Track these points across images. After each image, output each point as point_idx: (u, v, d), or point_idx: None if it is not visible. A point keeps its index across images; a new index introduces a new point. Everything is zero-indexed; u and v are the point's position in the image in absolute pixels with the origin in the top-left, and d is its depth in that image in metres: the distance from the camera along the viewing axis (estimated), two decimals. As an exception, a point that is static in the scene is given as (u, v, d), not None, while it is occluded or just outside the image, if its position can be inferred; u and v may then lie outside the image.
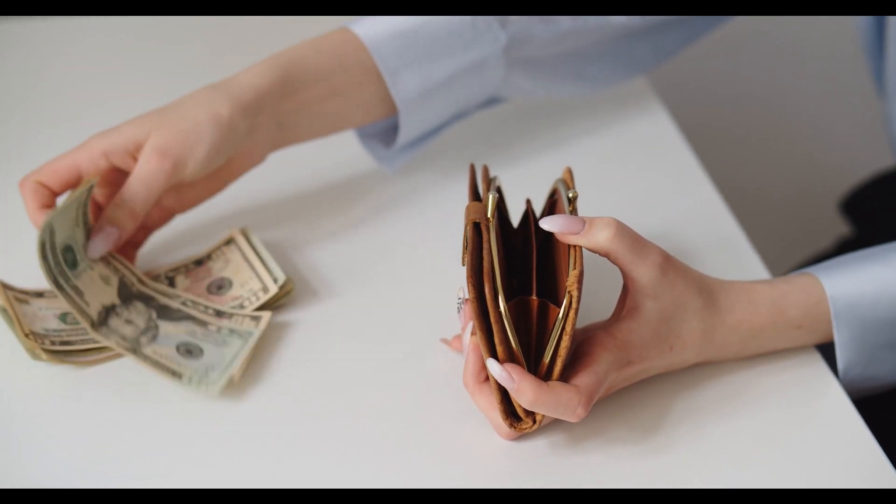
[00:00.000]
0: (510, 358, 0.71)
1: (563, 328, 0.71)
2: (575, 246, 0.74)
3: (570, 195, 0.78)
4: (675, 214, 0.98)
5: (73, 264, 0.80)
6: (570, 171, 0.81)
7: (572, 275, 0.72)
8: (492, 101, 1.02)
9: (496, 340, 0.71)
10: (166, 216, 0.89)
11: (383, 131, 0.98)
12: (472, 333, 0.74)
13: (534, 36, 0.96)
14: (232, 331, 0.82)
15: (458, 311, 0.76)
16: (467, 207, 0.76)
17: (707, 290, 0.78)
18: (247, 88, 0.87)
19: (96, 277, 0.81)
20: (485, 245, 0.73)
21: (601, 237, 0.74)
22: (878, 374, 0.83)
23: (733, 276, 0.84)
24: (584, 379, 0.73)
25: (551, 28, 0.97)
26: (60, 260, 0.78)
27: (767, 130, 1.84)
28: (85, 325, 0.78)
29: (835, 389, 0.81)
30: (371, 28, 0.92)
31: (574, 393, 0.71)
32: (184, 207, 0.89)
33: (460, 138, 1.06)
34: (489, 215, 0.75)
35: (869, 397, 0.85)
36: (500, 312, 0.70)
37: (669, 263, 0.77)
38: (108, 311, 0.81)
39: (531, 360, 0.73)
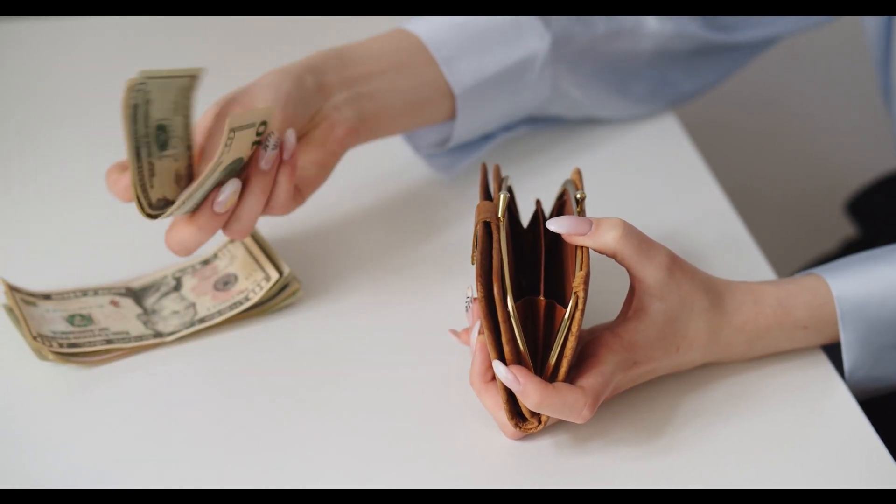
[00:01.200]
0: (517, 358, 0.71)
1: (569, 329, 0.71)
2: (582, 247, 0.74)
3: (578, 196, 0.78)
4: (681, 215, 0.98)
5: (163, 146, 0.78)
6: (578, 172, 0.81)
7: (578, 276, 0.72)
8: (537, 120, 1.03)
9: (503, 340, 0.71)
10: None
11: (439, 142, 0.98)
12: (480, 332, 0.74)
13: (573, 35, 0.97)
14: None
15: (467, 310, 0.76)
16: (478, 206, 0.76)
17: (713, 291, 0.78)
18: (302, 58, 0.87)
19: (172, 172, 0.79)
20: (494, 244, 0.73)
21: (608, 238, 0.74)
22: (885, 374, 0.83)
23: (739, 276, 0.84)
24: (589, 380, 0.73)
25: (589, 29, 0.98)
26: (151, 133, 0.77)
27: (773, 131, 1.84)
28: (139, 206, 0.77)
29: (841, 390, 0.81)
30: (421, 23, 0.93)
31: (580, 395, 0.71)
32: (298, 172, 0.86)
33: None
34: (500, 215, 0.75)
35: (875, 398, 0.85)
36: (508, 312, 0.70)
37: (676, 264, 0.77)
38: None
39: (538, 360, 0.73)
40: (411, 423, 0.78)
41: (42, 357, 0.80)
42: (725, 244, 0.95)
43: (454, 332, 0.82)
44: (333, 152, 0.87)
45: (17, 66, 1.17)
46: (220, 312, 0.84)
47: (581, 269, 0.72)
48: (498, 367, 0.71)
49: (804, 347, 0.83)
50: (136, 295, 0.87)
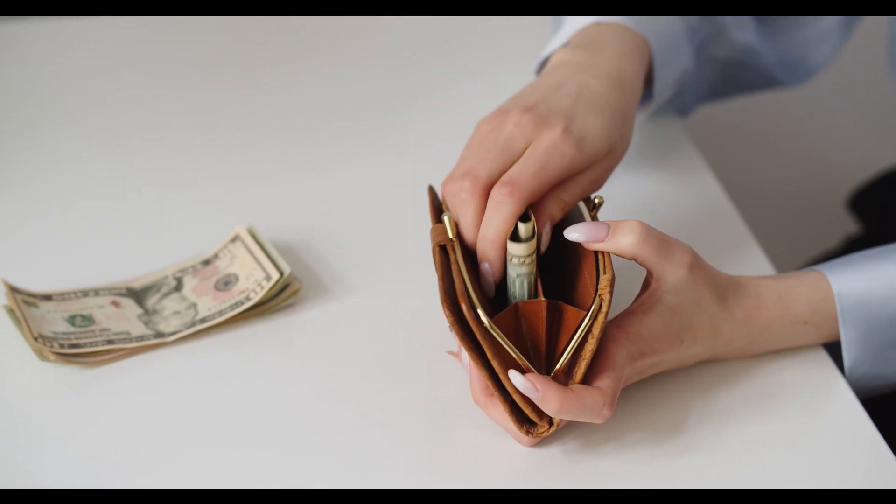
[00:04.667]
0: (512, 368, 0.71)
1: (590, 331, 0.71)
2: (603, 251, 0.74)
3: (597, 201, 0.77)
4: (680, 213, 0.98)
5: None
6: None
7: (604, 279, 0.71)
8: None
9: (489, 355, 0.70)
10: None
11: None
12: None
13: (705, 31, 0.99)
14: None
15: (451, 329, 0.76)
16: (431, 231, 0.76)
17: (719, 286, 0.79)
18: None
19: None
20: (453, 266, 0.73)
21: (626, 242, 0.74)
22: (886, 373, 0.83)
23: (739, 274, 0.84)
24: (604, 379, 0.73)
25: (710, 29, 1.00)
26: None
27: (773, 128, 1.84)
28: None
29: (842, 389, 0.81)
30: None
31: (598, 395, 0.71)
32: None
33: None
34: (451, 237, 0.75)
35: (877, 397, 0.85)
36: (484, 328, 0.70)
37: (697, 263, 0.77)
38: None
39: (542, 362, 0.73)
40: (417, 425, 0.78)
41: (43, 358, 0.80)
42: (726, 243, 0.95)
43: (451, 353, 0.81)
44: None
45: (16, 66, 1.17)
46: (220, 312, 0.84)
47: (605, 273, 0.72)
48: (515, 377, 0.70)
49: (805, 344, 0.83)
50: (137, 295, 0.87)
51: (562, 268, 0.79)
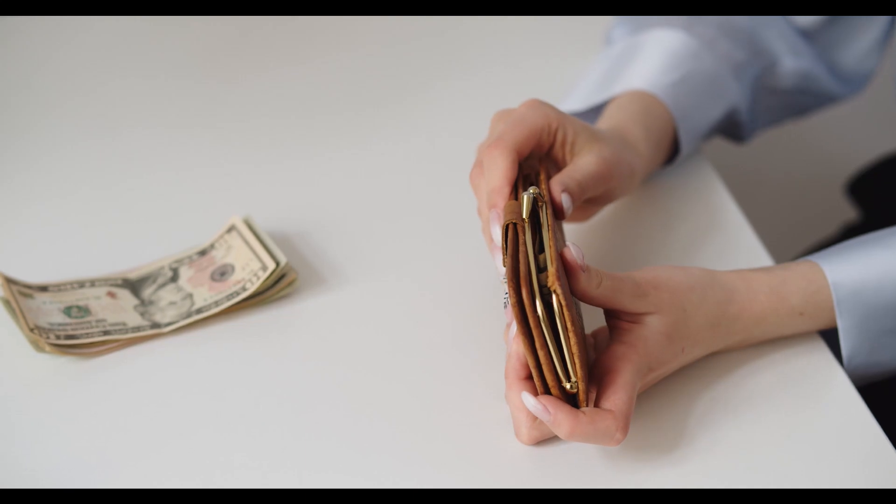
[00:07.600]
0: (549, 363, 0.70)
1: (565, 326, 0.70)
2: (551, 239, 0.73)
3: (532, 191, 0.76)
4: (676, 201, 0.97)
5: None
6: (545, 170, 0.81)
7: (551, 277, 0.70)
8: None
9: (537, 345, 0.70)
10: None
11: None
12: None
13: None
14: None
15: (505, 306, 0.75)
16: (504, 207, 0.75)
17: (699, 286, 0.78)
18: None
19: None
20: (521, 247, 0.72)
21: (589, 287, 0.74)
22: (883, 360, 0.83)
23: (735, 265, 0.84)
24: (617, 402, 0.73)
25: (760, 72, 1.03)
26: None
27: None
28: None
29: (840, 377, 0.81)
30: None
31: (611, 420, 0.71)
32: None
33: (469, 134, 1.06)
34: (524, 216, 0.74)
35: (873, 384, 0.85)
36: (537, 317, 0.69)
37: (655, 281, 0.77)
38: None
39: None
40: (412, 417, 0.78)
41: (39, 349, 0.80)
42: (722, 230, 0.94)
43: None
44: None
45: (12, 59, 1.17)
46: (217, 303, 0.85)
47: (552, 265, 0.71)
48: (527, 399, 0.71)
49: (805, 332, 0.83)
50: (133, 286, 0.88)
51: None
